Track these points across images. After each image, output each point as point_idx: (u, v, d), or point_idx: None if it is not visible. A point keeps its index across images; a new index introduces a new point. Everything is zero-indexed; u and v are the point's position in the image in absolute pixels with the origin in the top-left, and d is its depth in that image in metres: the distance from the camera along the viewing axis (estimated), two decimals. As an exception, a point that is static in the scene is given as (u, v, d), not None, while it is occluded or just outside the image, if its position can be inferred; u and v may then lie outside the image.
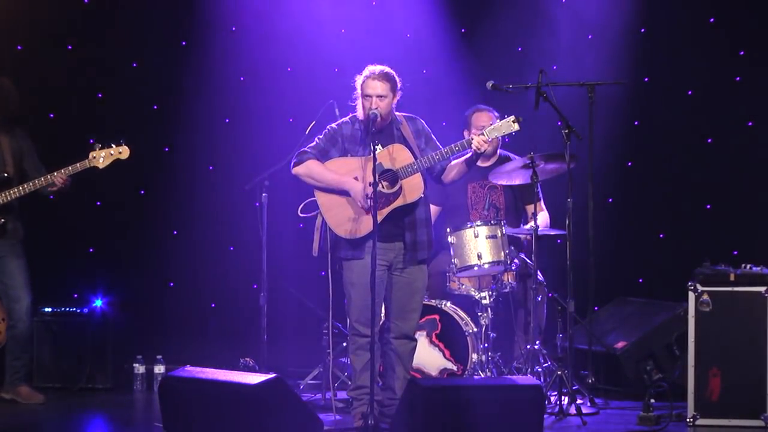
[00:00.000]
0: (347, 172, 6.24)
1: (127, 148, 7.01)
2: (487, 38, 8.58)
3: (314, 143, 6.33)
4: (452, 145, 6.24)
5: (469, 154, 6.26)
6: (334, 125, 6.38)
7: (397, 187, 6.20)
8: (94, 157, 6.97)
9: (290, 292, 7.96)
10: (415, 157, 6.22)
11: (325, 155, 6.29)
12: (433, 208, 7.41)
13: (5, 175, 7.04)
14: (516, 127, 6.22)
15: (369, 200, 6.10)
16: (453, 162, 6.36)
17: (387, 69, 6.28)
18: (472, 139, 6.19)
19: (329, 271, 6.31)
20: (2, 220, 7.02)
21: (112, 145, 7.00)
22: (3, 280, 7.14)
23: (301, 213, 6.40)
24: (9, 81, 7.16)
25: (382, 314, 6.56)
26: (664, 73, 8.35)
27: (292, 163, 6.32)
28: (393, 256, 6.28)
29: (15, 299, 7.14)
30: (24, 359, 7.22)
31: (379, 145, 6.22)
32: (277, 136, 8.21)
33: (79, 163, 6.97)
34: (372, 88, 6.22)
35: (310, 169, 6.27)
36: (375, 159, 6.03)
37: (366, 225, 6.19)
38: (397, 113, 6.36)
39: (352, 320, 6.32)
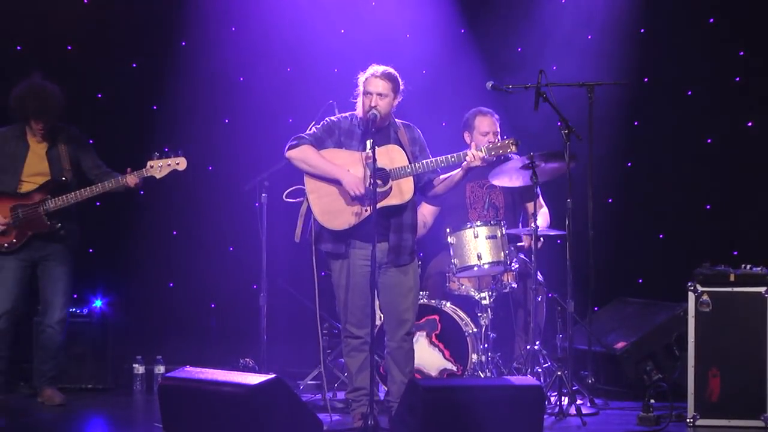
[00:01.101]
0: (341, 164, 6.26)
1: (184, 159, 7.02)
2: (487, 38, 8.58)
3: (311, 131, 6.36)
4: (448, 156, 6.25)
5: (461, 168, 6.25)
6: (333, 118, 6.41)
7: (387, 187, 6.21)
8: (152, 167, 7.00)
9: (290, 292, 7.96)
10: (410, 161, 6.23)
11: (321, 144, 6.30)
12: (431, 208, 7.43)
13: (63, 179, 7.05)
14: (514, 149, 6.32)
15: (359, 192, 6.11)
16: (441, 176, 6.37)
17: (391, 69, 6.33)
18: (468, 152, 6.19)
19: (313, 264, 6.31)
20: (59, 224, 7.03)
21: (171, 155, 7.01)
22: (44, 282, 7.14)
23: (286, 198, 6.41)
24: (54, 85, 7.12)
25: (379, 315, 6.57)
26: (664, 73, 8.35)
27: (286, 147, 6.32)
28: (379, 256, 6.25)
29: (49, 304, 7.14)
30: (50, 364, 7.20)
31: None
32: (277, 136, 8.16)
33: (136, 171, 6.99)
34: (373, 85, 6.24)
35: (305, 153, 6.27)
36: (375, 160, 6.03)
37: (349, 218, 6.20)
38: (396, 120, 6.37)
39: (344, 322, 6.33)
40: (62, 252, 7.13)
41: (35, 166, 7.08)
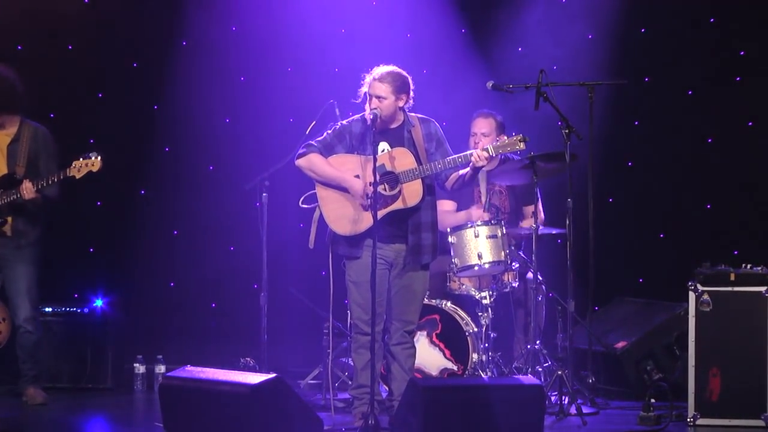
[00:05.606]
0: (348, 169, 6.25)
1: (99, 160, 6.86)
2: (488, 38, 8.58)
3: (322, 137, 6.33)
4: (455, 156, 6.23)
5: (468, 168, 6.24)
6: (345, 122, 6.37)
7: (396, 191, 6.20)
8: (74, 167, 6.88)
9: (290, 292, 7.96)
10: (419, 163, 6.22)
11: (330, 150, 6.29)
12: (450, 204, 7.40)
13: (14, 174, 6.99)
14: (522, 146, 6.22)
15: (368, 199, 6.11)
16: (452, 175, 6.36)
17: (391, 70, 6.25)
18: (474, 152, 6.18)
19: (330, 266, 6.31)
20: (5, 219, 6.98)
21: (91, 156, 6.88)
22: (6, 285, 7.11)
23: (303, 204, 6.41)
24: (10, 69, 7.08)
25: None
26: (664, 73, 8.35)
27: (296, 155, 6.32)
28: (394, 257, 6.28)
29: (15, 306, 7.10)
30: (30, 363, 7.16)
31: (387, 145, 6.23)
32: (277, 136, 8.22)
33: (62, 171, 6.88)
34: (372, 88, 6.23)
35: (311, 162, 6.27)
36: (375, 159, 6.03)
37: (362, 223, 6.20)
38: (411, 114, 6.34)
39: (354, 318, 6.33)
40: (19, 250, 7.04)
41: None
